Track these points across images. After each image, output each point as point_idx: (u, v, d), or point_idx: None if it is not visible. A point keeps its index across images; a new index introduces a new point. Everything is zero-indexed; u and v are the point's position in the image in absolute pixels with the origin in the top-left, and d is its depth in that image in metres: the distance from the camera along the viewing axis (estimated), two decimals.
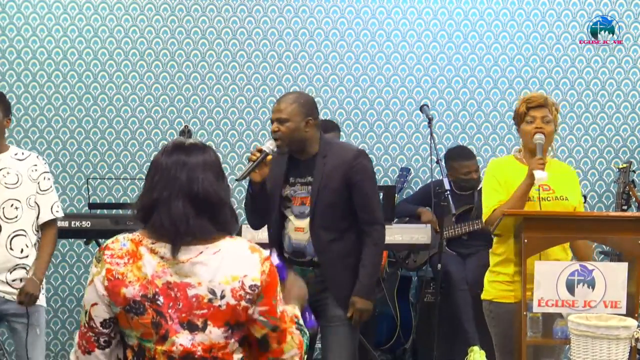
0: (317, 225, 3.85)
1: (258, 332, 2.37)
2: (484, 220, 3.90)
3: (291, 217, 3.92)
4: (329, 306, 3.87)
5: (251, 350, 2.42)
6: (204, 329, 2.31)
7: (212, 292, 2.31)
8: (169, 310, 2.31)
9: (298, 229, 3.89)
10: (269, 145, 3.85)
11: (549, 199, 3.84)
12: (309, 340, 2.52)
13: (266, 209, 3.93)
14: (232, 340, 2.34)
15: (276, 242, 3.93)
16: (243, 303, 2.32)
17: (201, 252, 2.33)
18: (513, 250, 3.78)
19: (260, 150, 3.83)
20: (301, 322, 2.52)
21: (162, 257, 2.33)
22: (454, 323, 5.49)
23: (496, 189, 3.85)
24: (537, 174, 3.71)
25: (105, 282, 2.33)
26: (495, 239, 3.93)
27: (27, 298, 4.11)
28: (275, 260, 2.53)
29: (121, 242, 2.38)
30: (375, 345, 5.79)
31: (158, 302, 2.31)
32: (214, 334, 2.31)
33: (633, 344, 3.36)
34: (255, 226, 4.09)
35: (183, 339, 2.31)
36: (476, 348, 5.33)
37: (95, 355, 2.38)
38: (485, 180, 3.95)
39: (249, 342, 2.41)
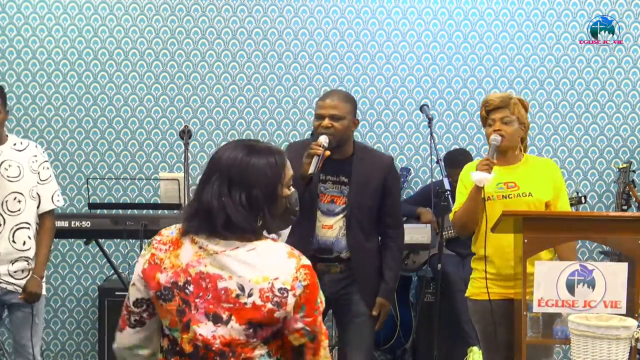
0: (354, 225, 3.93)
1: (297, 341, 2.38)
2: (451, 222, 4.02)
3: (317, 214, 3.96)
4: (354, 302, 3.96)
5: (285, 352, 2.43)
6: (227, 322, 2.32)
7: (241, 288, 2.32)
8: (197, 300, 2.33)
9: (325, 226, 3.95)
10: (323, 141, 3.85)
11: (510, 196, 3.86)
12: None
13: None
14: (254, 339, 2.34)
15: (305, 237, 3.91)
16: (269, 305, 2.31)
17: (237, 247, 2.34)
18: (483, 248, 3.81)
19: (320, 145, 3.83)
20: None
21: (200, 247, 2.36)
22: (453, 323, 5.50)
23: (462, 193, 3.93)
24: (474, 175, 3.74)
25: (145, 265, 2.39)
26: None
27: (31, 297, 4.19)
28: None
29: (171, 230, 2.44)
30: (375, 345, 5.79)
31: (186, 291, 2.33)
32: (235, 329, 2.32)
33: (633, 344, 3.36)
34: None
35: (204, 330, 2.32)
36: (475, 348, 5.33)
37: (126, 332, 2.45)
38: (457, 184, 4.02)
39: (285, 346, 2.41)
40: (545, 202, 3.86)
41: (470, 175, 3.86)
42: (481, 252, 3.85)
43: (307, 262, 2.38)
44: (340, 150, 3.92)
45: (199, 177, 2.49)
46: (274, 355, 2.38)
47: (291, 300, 2.32)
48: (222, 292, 2.32)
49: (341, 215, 3.94)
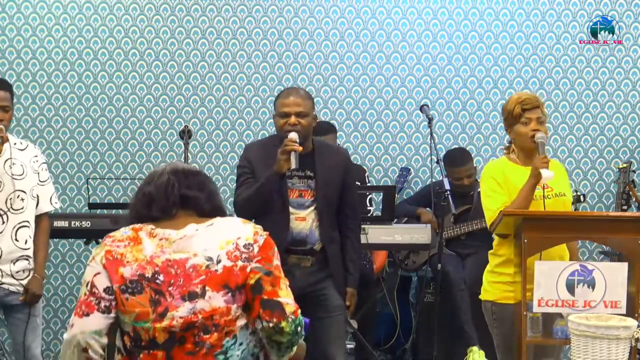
0: (324, 217, 4.05)
1: (252, 279, 2.40)
2: (488, 223, 3.85)
3: (289, 208, 4.05)
4: (330, 296, 4.03)
5: (250, 311, 2.43)
6: (203, 295, 2.35)
7: (209, 258, 2.38)
8: (170, 288, 2.36)
9: (299, 218, 4.03)
10: (295, 138, 3.93)
11: (549, 196, 3.83)
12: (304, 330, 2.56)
13: (268, 200, 4.01)
14: (234, 305, 2.37)
15: (279, 231, 3.92)
16: (240, 263, 2.39)
17: (197, 230, 2.43)
18: (512, 251, 3.78)
19: (293, 141, 3.91)
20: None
21: (160, 239, 2.41)
22: (453, 323, 5.49)
23: (497, 191, 3.83)
24: (544, 172, 3.71)
25: (103, 261, 2.39)
26: (496, 240, 3.91)
27: (32, 298, 4.19)
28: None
29: (123, 231, 2.46)
30: (375, 345, 5.79)
31: (157, 281, 2.36)
32: (214, 298, 2.35)
33: (633, 344, 3.36)
34: (251, 217, 4.13)
35: (183, 311, 2.34)
36: (475, 348, 5.32)
37: (94, 317, 2.38)
38: (484, 183, 3.92)
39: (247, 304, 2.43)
40: (571, 202, 3.91)
41: (501, 174, 3.84)
42: (512, 255, 3.77)
43: (260, 227, 2.51)
44: (303, 145, 4.00)
45: None
46: (251, 326, 2.42)
47: (256, 250, 2.41)
48: (191, 270, 2.37)
49: (312, 208, 4.05)
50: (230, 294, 2.36)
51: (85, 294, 2.40)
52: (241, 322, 2.39)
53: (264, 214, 3.99)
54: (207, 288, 2.35)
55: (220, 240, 2.41)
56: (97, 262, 2.41)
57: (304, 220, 4.02)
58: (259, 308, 2.39)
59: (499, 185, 3.84)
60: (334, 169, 4.08)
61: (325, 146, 4.22)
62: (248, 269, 2.39)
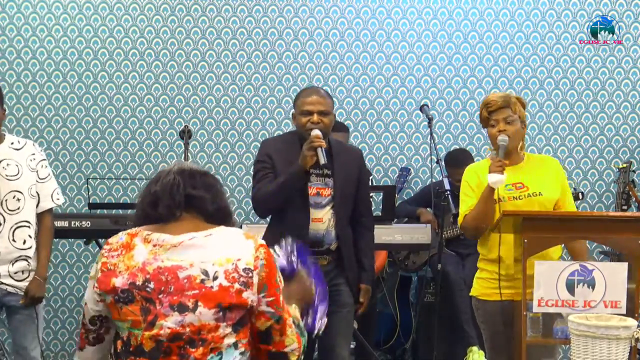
0: (341, 216, 4.06)
1: (263, 325, 2.41)
2: (459, 225, 3.97)
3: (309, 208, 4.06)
4: (343, 293, 4.07)
5: (253, 341, 2.45)
6: (194, 309, 2.33)
7: (205, 272, 2.35)
8: (160, 295, 2.34)
9: (316, 219, 4.02)
10: (320, 135, 3.95)
11: (520, 197, 3.83)
12: (307, 342, 2.55)
13: (287, 198, 4.03)
14: (224, 323, 2.36)
15: (300, 230, 3.94)
16: (237, 285, 2.35)
17: (194, 237, 2.39)
18: (494, 250, 3.79)
19: (319, 137, 3.93)
20: (301, 324, 2.56)
21: (154, 245, 2.39)
22: (453, 323, 5.50)
23: (469, 195, 3.88)
24: (491, 177, 3.71)
25: (99, 274, 2.40)
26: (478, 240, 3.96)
27: (32, 301, 4.17)
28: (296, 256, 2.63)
29: (119, 237, 2.45)
30: (375, 345, 5.79)
31: (147, 289, 2.35)
32: (204, 315, 2.34)
33: (633, 344, 3.36)
34: (267, 215, 4.23)
35: (171, 322, 2.33)
36: (475, 348, 5.32)
37: (86, 351, 2.48)
38: (461, 187, 3.98)
39: (251, 332, 2.44)
40: (555, 200, 3.86)
41: (475, 178, 3.86)
42: (492, 254, 3.81)
43: (263, 242, 2.45)
44: None
45: None
46: (241, 346, 2.39)
47: (256, 280, 2.37)
48: (185, 280, 2.34)
49: (328, 207, 4.05)
50: (221, 313, 2.34)
51: (81, 323, 2.50)
52: (229, 340, 2.37)
53: (281, 210, 4.03)
54: (199, 303, 2.33)
55: (220, 255, 2.37)
56: (92, 281, 2.42)
57: (320, 222, 4.01)
58: (265, 358, 2.47)
59: (470, 189, 3.88)
60: (350, 166, 4.12)
61: (340, 144, 4.25)
62: (248, 300, 2.36)
